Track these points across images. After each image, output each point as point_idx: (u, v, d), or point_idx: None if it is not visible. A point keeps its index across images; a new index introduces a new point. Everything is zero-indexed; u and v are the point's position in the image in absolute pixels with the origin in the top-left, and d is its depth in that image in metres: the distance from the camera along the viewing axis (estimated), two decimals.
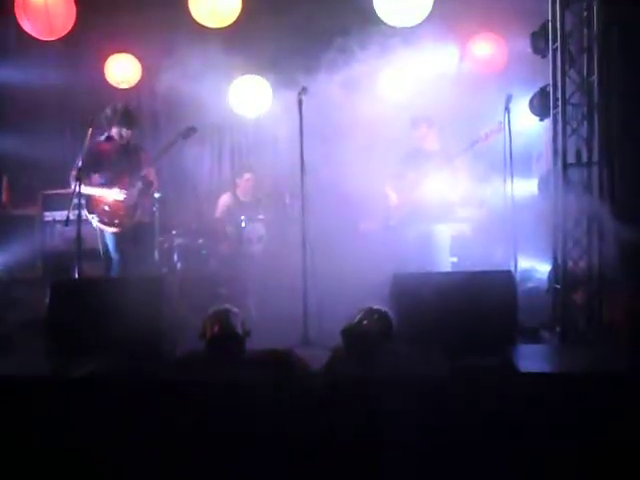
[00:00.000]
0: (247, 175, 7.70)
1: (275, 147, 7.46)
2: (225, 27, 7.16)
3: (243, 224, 7.07)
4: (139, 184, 6.03)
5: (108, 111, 6.17)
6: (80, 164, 5.74)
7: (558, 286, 5.52)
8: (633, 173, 5.34)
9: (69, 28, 6.95)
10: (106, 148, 6.14)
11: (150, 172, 6.16)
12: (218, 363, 4.03)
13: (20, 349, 5.06)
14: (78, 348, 4.50)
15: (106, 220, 5.98)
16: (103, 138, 6.17)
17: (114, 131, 6.15)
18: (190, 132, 6.21)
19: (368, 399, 3.68)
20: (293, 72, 7.26)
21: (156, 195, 6.68)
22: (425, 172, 6.30)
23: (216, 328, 4.09)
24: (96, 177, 6.03)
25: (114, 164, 6.08)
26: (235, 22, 7.12)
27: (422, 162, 6.37)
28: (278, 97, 7.76)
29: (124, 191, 5.98)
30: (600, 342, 5.00)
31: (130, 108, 6.36)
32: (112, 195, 5.98)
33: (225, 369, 3.94)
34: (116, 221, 5.98)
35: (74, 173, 5.76)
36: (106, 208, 5.99)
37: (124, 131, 6.14)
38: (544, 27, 5.78)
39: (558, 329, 5.31)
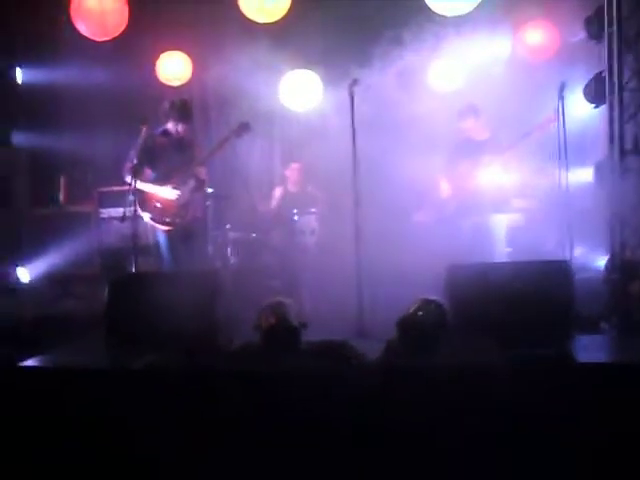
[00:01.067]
0: (294, 165, 7.75)
1: (327, 140, 7.45)
2: (274, 22, 7.19)
3: (295, 217, 7.10)
4: (191, 182, 6.08)
5: (166, 105, 6.25)
6: (135, 160, 5.81)
7: (615, 276, 5.42)
8: None
9: (122, 28, 7.07)
10: (162, 142, 6.19)
11: (201, 171, 6.20)
12: (274, 354, 4.06)
13: (81, 343, 5.16)
14: (137, 342, 4.56)
15: (157, 218, 6.05)
16: (159, 132, 6.24)
17: (170, 125, 6.21)
18: (243, 129, 6.24)
19: (424, 390, 3.67)
20: (343, 65, 7.27)
21: (209, 190, 6.75)
22: (476, 162, 6.26)
23: (272, 320, 4.12)
24: (149, 172, 6.09)
25: (169, 158, 6.14)
26: (284, 17, 7.15)
27: (473, 152, 6.33)
28: (329, 90, 7.78)
29: (176, 191, 6.04)
30: None
31: (187, 102, 6.42)
32: (164, 193, 6.04)
33: (281, 360, 3.97)
34: (167, 219, 6.04)
35: (129, 165, 5.83)
36: (158, 205, 6.04)
37: (180, 126, 6.19)
38: (598, 12, 5.67)
39: (615, 319, 5.22)
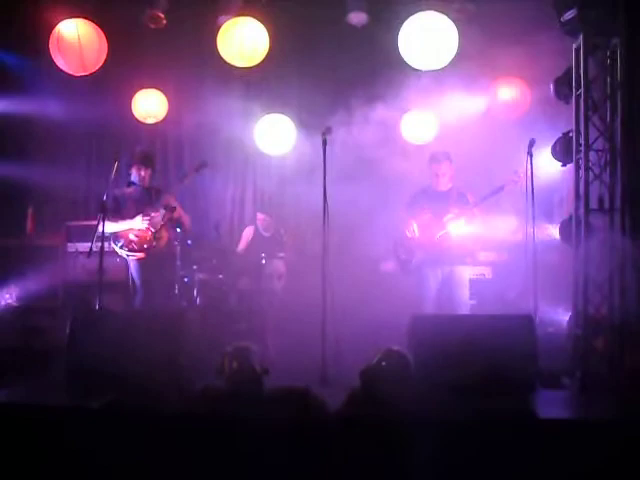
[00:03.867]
0: (259, 215, 7.75)
1: (298, 185, 7.51)
2: (252, 66, 7.28)
3: (263, 261, 7.10)
4: (162, 210, 6.24)
5: (132, 153, 6.55)
6: (105, 197, 5.84)
7: (578, 331, 5.48)
8: None
9: (100, 63, 7.09)
10: (129, 191, 6.38)
11: (170, 199, 6.37)
12: (235, 399, 4.02)
13: (41, 378, 5.08)
14: (97, 379, 4.51)
15: (132, 247, 6.14)
16: (126, 185, 6.44)
17: (133, 171, 6.40)
18: (202, 166, 6.54)
19: (384, 441, 3.65)
20: (318, 112, 7.39)
21: (177, 230, 6.74)
22: (440, 212, 6.29)
23: (235, 365, 4.09)
24: (120, 218, 6.22)
25: (137, 202, 6.30)
26: (262, 62, 7.23)
27: (436, 202, 6.36)
28: (303, 136, 7.86)
29: (147, 218, 6.19)
30: (621, 389, 4.93)
31: (147, 150, 6.77)
32: (136, 225, 6.16)
33: (242, 406, 3.93)
34: (145, 246, 6.16)
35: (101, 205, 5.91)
36: (131, 237, 6.14)
37: (142, 170, 6.38)
38: (567, 73, 5.81)
39: (578, 375, 5.26)
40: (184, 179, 6.61)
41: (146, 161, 6.45)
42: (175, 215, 6.39)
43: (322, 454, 3.65)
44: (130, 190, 6.39)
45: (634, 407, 4.42)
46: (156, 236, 6.19)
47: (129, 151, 6.65)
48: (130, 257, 6.18)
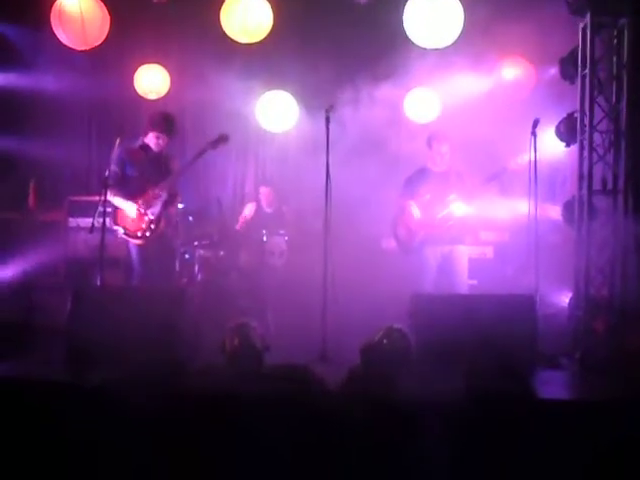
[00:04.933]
0: (263, 189, 7.74)
1: (300, 162, 7.50)
2: (255, 42, 7.23)
3: (264, 237, 7.10)
4: (164, 195, 6.03)
5: (150, 115, 6.19)
6: (107, 173, 5.76)
7: (579, 313, 5.49)
8: None
9: (103, 38, 7.04)
10: (139, 156, 6.10)
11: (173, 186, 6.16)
12: (236, 376, 4.04)
13: (39, 353, 5.09)
14: (97, 355, 4.52)
15: (130, 233, 6.00)
16: (137, 145, 6.15)
17: (151, 136, 6.10)
18: (221, 140, 6.13)
19: (384, 419, 3.67)
20: (321, 89, 7.35)
21: (179, 206, 6.72)
22: (439, 193, 6.27)
23: (235, 341, 4.11)
24: (123, 187, 6.02)
25: (144, 172, 6.05)
26: (265, 38, 7.19)
27: (434, 182, 6.33)
28: (305, 113, 7.83)
29: (142, 208, 5.96)
30: (620, 370, 4.94)
31: (173, 117, 6.30)
32: (130, 212, 5.97)
33: (242, 382, 3.95)
34: (139, 234, 5.98)
35: (103, 181, 5.78)
36: (130, 220, 5.99)
37: (162, 139, 6.09)
38: (573, 53, 5.77)
39: (578, 356, 5.27)
40: (202, 153, 6.12)
41: (168, 128, 6.12)
42: (176, 201, 6.25)
43: (322, 431, 3.66)
44: (140, 156, 6.09)
45: (633, 388, 4.43)
46: (153, 226, 5.98)
47: (133, 123, 6.33)
48: (130, 241, 6.09)
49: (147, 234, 5.96)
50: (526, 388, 4.06)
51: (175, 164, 6.23)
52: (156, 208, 5.99)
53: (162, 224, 6.02)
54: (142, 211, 5.95)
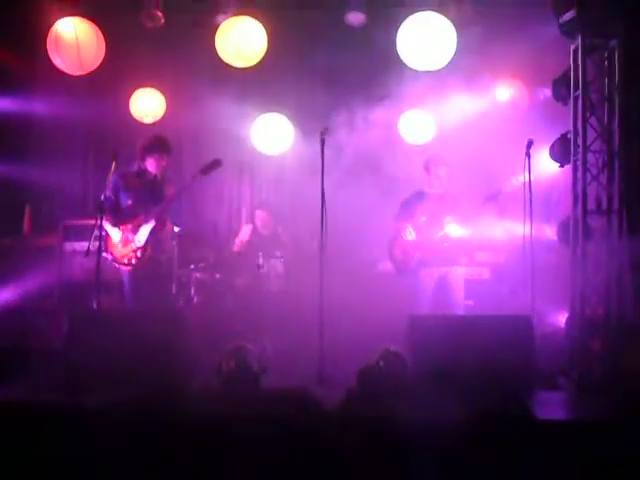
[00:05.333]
0: (259, 212, 7.74)
1: (296, 184, 7.52)
2: (250, 66, 7.28)
3: (261, 260, 7.10)
4: (152, 222, 6.01)
5: (146, 141, 6.20)
6: (102, 197, 5.78)
7: (576, 333, 5.48)
8: None
9: (98, 63, 7.08)
10: (134, 182, 6.14)
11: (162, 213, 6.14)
12: (232, 399, 4.03)
13: (36, 378, 5.07)
14: (94, 378, 4.51)
15: (117, 260, 6.02)
16: (134, 171, 6.19)
17: (151, 161, 6.14)
18: (213, 167, 6.13)
19: (381, 441, 3.66)
20: (316, 112, 7.38)
21: (175, 229, 6.73)
22: (434, 215, 6.31)
23: (232, 364, 4.12)
24: (115, 212, 6.05)
25: (137, 199, 6.09)
26: (260, 61, 7.24)
27: (431, 205, 6.38)
28: (300, 136, 7.86)
29: (130, 234, 6.00)
30: (617, 389, 4.94)
31: (164, 136, 6.36)
32: (117, 236, 6.01)
33: (239, 405, 3.94)
34: (125, 260, 6.00)
35: (98, 205, 5.81)
36: (119, 246, 6.02)
37: (164, 159, 6.15)
38: (565, 75, 5.82)
39: (575, 376, 5.26)
40: (197, 176, 6.12)
41: (166, 148, 6.19)
42: (165, 229, 6.21)
43: (319, 454, 3.65)
44: (135, 183, 6.13)
45: (630, 408, 4.42)
46: (138, 252, 5.99)
47: (129, 148, 6.32)
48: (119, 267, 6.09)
49: (133, 261, 5.99)
50: (524, 409, 4.05)
51: (170, 189, 6.22)
52: (142, 235, 6.00)
53: (149, 251, 6.02)
54: (130, 238, 5.98)
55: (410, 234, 6.35)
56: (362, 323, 6.18)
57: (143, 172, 6.16)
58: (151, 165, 6.15)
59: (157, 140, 6.20)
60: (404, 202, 6.55)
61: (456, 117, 7.44)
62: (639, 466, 3.64)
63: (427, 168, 6.47)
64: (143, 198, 6.09)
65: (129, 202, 6.08)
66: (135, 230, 6.00)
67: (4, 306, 7.45)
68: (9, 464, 3.85)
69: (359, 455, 3.63)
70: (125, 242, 5.99)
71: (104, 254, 5.94)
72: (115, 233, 6.01)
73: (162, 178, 6.25)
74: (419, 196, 6.51)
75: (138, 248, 5.98)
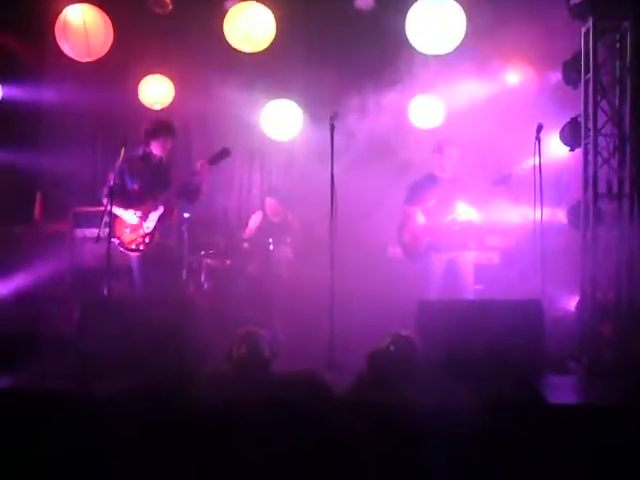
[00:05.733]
0: (268, 199, 7.74)
1: (306, 170, 7.52)
2: (259, 51, 7.26)
3: (271, 246, 7.11)
4: (161, 208, 6.02)
5: (149, 125, 6.18)
6: (112, 183, 5.79)
7: (586, 317, 5.47)
8: None
9: (106, 49, 7.08)
10: (140, 166, 6.11)
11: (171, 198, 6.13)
12: (243, 384, 4.05)
13: (48, 364, 5.10)
14: (105, 365, 4.54)
15: (125, 245, 6.02)
16: (139, 155, 6.16)
17: (156, 145, 6.11)
18: (222, 156, 6.13)
19: (391, 425, 3.67)
20: (325, 97, 7.37)
21: (185, 215, 6.73)
22: (444, 199, 6.29)
23: (243, 349, 4.13)
24: (123, 197, 6.01)
25: (143, 184, 6.08)
26: (269, 47, 7.22)
27: (439, 189, 6.36)
28: (310, 121, 7.85)
29: (138, 217, 5.99)
30: (627, 374, 4.94)
31: (166, 119, 6.38)
32: (128, 218, 5.99)
33: (250, 389, 3.96)
34: (133, 246, 6.00)
35: (106, 191, 5.82)
36: (127, 231, 6.01)
37: (169, 143, 6.12)
38: (576, 58, 5.78)
39: (585, 360, 5.26)
40: (205, 165, 6.08)
41: (170, 131, 6.15)
42: (172, 216, 6.21)
43: (328, 438, 3.67)
44: (141, 167, 6.11)
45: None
46: (146, 239, 5.99)
47: (138, 134, 6.28)
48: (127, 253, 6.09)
49: (141, 247, 5.98)
50: (535, 393, 4.06)
51: (175, 173, 6.22)
52: (151, 222, 6.00)
53: (157, 237, 6.01)
54: (139, 223, 5.98)
55: (419, 218, 6.33)
56: (372, 308, 6.18)
57: (148, 156, 6.14)
58: (156, 148, 6.12)
59: (160, 123, 6.20)
60: (414, 185, 6.52)
61: (466, 101, 7.41)
62: None
63: (439, 150, 6.41)
64: (149, 182, 6.08)
65: (135, 186, 6.07)
66: (145, 216, 6.01)
67: (15, 293, 7.50)
68: (19, 452, 3.88)
69: (368, 439, 3.65)
70: (134, 228, 6.00)
71: (112, 239, 5.93)
72: (130, 214, 5.99)
73: (168, 162, 6.23)
74: (430, 179, 6.48)
75: (146, 234, 5.98)
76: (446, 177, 6.41)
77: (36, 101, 7.99)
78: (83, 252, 7.68)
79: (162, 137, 6.12)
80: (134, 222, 5.99)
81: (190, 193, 6.18)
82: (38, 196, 8.16)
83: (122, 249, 6.04)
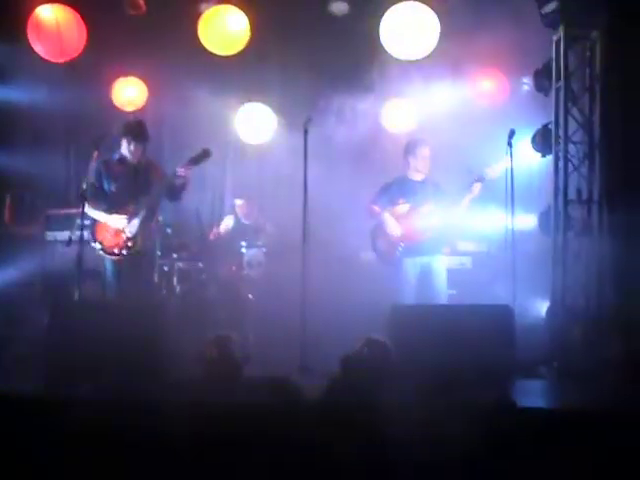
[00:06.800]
0: (238, 201, 7.73)
1: (279, 174, 7.52)
2: (233, 54, 7.25)
3: (243, 249, 7.10)
4: (143, 212, 5.92)
5: (121, 125, 6.09)
6: (84, 186, 5.71)
7: (557, 321, 5.53)
8: (632, 212, 5.37)
9: (80, 50, 7.02)
10: (117, 169, 6.00)
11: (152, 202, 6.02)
12: (215, 387, 4.03)
13: (18, 368, 5.06)
14: (75, 369, 4.51)
15: (107, 249, 5.91)
16: (115, 158, 6.04)
17: (124, 145, 5.98)
18: (203, 157, 5.99)
19: (364, 429, 3.67)
20: (299, 101, 7.37)
21: (159, 218, 6.69)
22: (417, 203, 6.30)
23: (214, 353, 4.11)
24: (102, 201, 5.95)
25: (123, 186, 5.96)
26: (243, 50, 7.21)
27: (412, 192, 6.35)
28: (283, 125, 7.85)
29: (125, 220, 5.88)
30: (597, 379, 4.99)
31: (142, 122, 6.19)
32: (113, 222, 5.89)
33: (222, 393, 3.94)
34: (116, 250, 5.90)
35: (80, 194, 5.72)
36: (108, 235, 5.90)
37: (133, 145, 5.94)
38: (547, 66, 5.85)
39: (556, 365, 5.31)
40: (189, 165, 5.92)
41: (137, 135, 5.95)
42: (154, 219, 6.11)
43: (301, 442, 3.66)
44: (119, 169, 5.99)
45: (611, 397, 4.47)
46: (129, 243, 5.88)
47: (111, 136, 6.18)
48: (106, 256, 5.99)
49: (123, 252, 5.88)
50: (506, 397, 4.09)
51: (155, 172, 6.09)
52: (134, 226, 5.90)
53: (139, 241, 5.93)
54: (121, 228, 5.88)
55: (395, 229, 6.29)
56: (345, 311, 6.20)
57: (124, 159, 6.03)
58: (125, 150, 5.99)
59: (128, 125, 6.06)
60: (384, 186, 6.47)
61: (439, 106, 7.46)
62: (623, 454, 3.67)
63: (412, 151, 6.37)
64: (128, 186, 5.97)
65: (112, 189, 5.97)
66: (128, 220, 5.90)
67: None
68: None
69: (341, 444, 3.65)
70: (116, 232, 5.90)
71: (93, 244, 5.87)
72: (116, 220, 5.89)
73: (147, 165, 6.11)
74: (401, 182, 6.45)
75: (129, 239, 5.89)
76: (418, 180, 6.41)
77: (7, 101, 7.89)
78: (54, 255, 7.60)
79: (127, 138, 5.97)
80: (120, 226, 5.89)
81: (175, 192, 6.05)
82: (8, 198, 8.06)
83: (103, 253, 5.94)
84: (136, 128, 6.04)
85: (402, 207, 6.33)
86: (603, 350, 5.27)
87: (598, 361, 5.22)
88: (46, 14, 6.77)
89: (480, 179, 6.08)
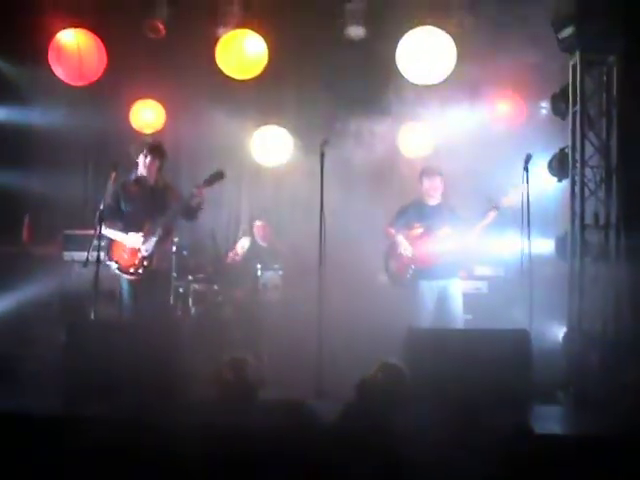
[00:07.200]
0: (257, 223, 7.76)
1: (295, 196, 7.55)
2: (250, 78, 7.31)
3: (259, 272, 7.11)
4: (159, 232, 5.95)
5: (137, 144, 6.13)
6: (102, 207, 5.75)
7: (574, 347, 5.49)
8: None
9: (99, 74, 7.11)
10: (134, 190, 6.04)
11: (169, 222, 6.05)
12: (229, 410, 4.02)
13: (35, 388, 5.07)
14: (92, 388, 4.52)
15: (123, 268, 5.94)
16: (132, 179, 6.08)
17: (140, 161, 6.02)
18: (216, 178, 5.99)
19: (380, 454, 3.65)
20: (315, 124, 7.41)
21: (174, 239, 6.71)
22: (431, 227, 6.31)
23: (230, 375, 4.10)
24: (119, 219, 5.99)
25: (139, 207, 6.00)
26: (260, 74, 7.27)
27: (427, 216, 6.38)
28: (299, 148, 7.89)
29: (142, 239, 5.90)
30: (615, 404, 4.94)
31: (157, 140, 6.30)
32: (130, 241, 5.92)
33: (236, 416, 3.93)
34: (131, 270, 5.92)
35: (98, 215, 5.76)
36: (124, 255, 5.94)
37: (149, 158, 5.99)
38: (564, 90, 5.85)
39: (573, 390, 5.27)
40: (203, 187, 5.92)
41: (153, 149, 6.01)
42: (170, 239, 6.18)
43: (316, 468, 3.64)
44: (136, 189, 6.04)
45: (628, 423, 4.42)
46: (145, 262, 5.90)
47: (127, 158, 6.25)
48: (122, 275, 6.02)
49: (139, 270, 5.91)
50: (523, 423, 4.05)
51: (172, 194, 6.12)
52: (150, 245, 5.93)
53: (155, 261, 5.95)
54: (137, 247, 5.92)
55: (406, 250, 6.33)
56: (361, 335, 6.18)
57: (141, 179, 6.08)
58: (141, 169, 6.03)
59: (144, 142, 6.16)
60: (401, 210, 6.54)
61: (455, 129, 7.47)
62: None
63: (421, 180, 6.47)
64: (145, 206, 6.00)
65: (129, 209, 6.02)
66: (145, 240, 5.94)
67: (3, 315, 7.44)
68: (7, 476, 3.84)
69: (356, 469, 3.62)
70: (132, 251, 5.94)
71: (108, 262, 5.91)
72: (133, 238, 5.91)
73: (164, 186, 6.16)
74: (417, 205, 6.50)
75: (144, 257, 5.92)
76: (432, 204, 6.43)
77: (28, 124, 7.99)
78: (71, 275, 7.65)
79: (142, 154, 6.02)
80: (136, 245, 5.92)
81: (191, 212, 6.06)
82: (26, 218, 8.13)
83: (119, 272, 5.98)
84: (152, 144, 6.14)
85: (417, 230, 6.36)
86: (620, 375, 5.22)
87: (615, 386, 5.17)
88: (67, 39, 6.87)
89: (496, 207, 6.10)
